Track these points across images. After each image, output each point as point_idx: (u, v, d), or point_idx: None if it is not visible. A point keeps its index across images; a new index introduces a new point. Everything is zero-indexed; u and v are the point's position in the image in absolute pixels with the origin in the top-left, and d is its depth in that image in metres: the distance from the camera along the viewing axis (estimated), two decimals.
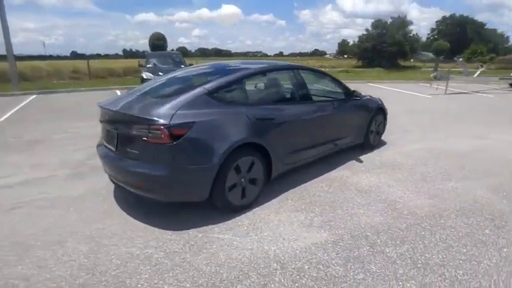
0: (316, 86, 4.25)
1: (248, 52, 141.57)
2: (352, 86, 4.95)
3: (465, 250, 2.38)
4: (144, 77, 9.99)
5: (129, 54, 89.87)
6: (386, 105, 5.19)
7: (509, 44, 55.01)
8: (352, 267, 2.20)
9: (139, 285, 2.03)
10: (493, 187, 3.53)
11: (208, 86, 2.88)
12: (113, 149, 2.84)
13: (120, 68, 18.54)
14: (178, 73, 3.81)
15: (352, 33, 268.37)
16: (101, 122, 3.15)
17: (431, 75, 15.67)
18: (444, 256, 2.31)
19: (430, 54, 56.30)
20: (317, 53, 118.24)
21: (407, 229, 2.68)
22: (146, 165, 2.54)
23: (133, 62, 21.94)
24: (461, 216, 2.90)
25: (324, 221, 2.82)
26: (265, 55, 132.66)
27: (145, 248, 2.43)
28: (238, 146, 2.75)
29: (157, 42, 42.77)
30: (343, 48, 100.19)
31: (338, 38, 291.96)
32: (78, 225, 2.75)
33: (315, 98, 3.92)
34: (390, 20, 41.76)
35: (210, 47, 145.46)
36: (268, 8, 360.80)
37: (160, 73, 9.95)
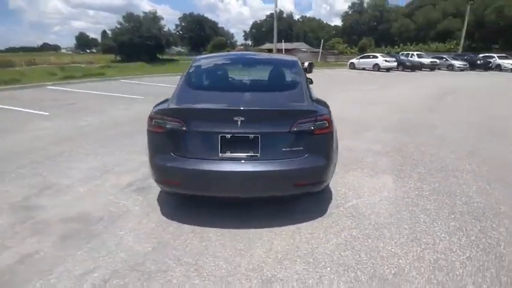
0: None
1: None
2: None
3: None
4: None
5: None
6: None
7: (234, 39, 73.06)
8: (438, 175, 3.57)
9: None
10: (400, 118, 5.98)
11: (301, 75, 3.07)
12: (252, 155, 2.43)
13: None
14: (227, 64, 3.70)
15: (87, 26, 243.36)
16: (200, 128, 2.50)
17: None
18: (465, 153, 4.23)
19: (177, 48, 64.12)
20: (48, 47, 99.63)
21: (420, 147, 4.36)
22: (313, 159, 2.52)
23: None
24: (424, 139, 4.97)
25: (373, 170, 3.92)
26: None
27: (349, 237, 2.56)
28: None
29: None
30: (83, 41, 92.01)
31: (69, 30, 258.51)
32: (259, 263, 2.24)
33: None
34: (142, 15, 43.22)
35: None
36: None
37: None
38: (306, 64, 21.24)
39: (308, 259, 2.27)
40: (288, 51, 39.67)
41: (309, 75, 3.85)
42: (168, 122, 2.48)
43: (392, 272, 2.14)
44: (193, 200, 3.06)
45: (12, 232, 2.59)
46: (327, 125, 2.57)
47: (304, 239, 2.51)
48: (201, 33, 63.92)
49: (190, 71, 3.13)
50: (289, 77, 3.19)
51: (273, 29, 30.63)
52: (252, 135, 2.43)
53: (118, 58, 39.63)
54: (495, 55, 27.30)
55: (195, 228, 2.64)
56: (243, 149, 2.45)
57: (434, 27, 43.71)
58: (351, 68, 25.77)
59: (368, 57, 25.46)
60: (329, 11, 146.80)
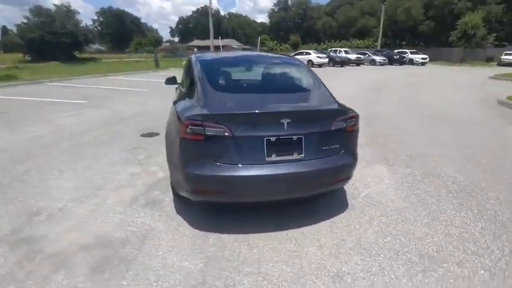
0: None
1: None
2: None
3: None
4: None
5: None
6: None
7: (159, 35, 69.95)
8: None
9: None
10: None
11: (316, 75, 3.20)
12: (297, 156, 2.48)
13: None
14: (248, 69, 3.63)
15: None
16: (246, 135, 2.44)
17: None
18: (428, 140, 4.73)
19: (95, 46, 58.98)
20: None
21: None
22: (346, 155, 2.69)
23: None
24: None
25: (364, 160, 4.27)
26: None
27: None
28: None
29: None
30: None
31: None
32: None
33: None
34: (54, 8, 38.62)
35: None
36: None
37: None
38: None
39: (359, 250, 2.43)
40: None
41: None
42: (208, 128, 2.37)
43: (435, 249, 2.42)
44: (212, 207, 2.98)
45: (24, 272, 2.20)
46: (354, 122, 2.76)
47: (344, 232, 2.67)
48: (122, 29, 59.64)
49: (204, 71, 2.97)
50: (307, 77, 3.28)
51: (200, 25, 30.29)
52: (296, 137, 2.48)
53: (27, 58, 35.07)
54: (408, 51, 31.48)
55: (236, 237, 2.59)
56: (288, 151, 2.48)
57: (354, 25, 48.16)
58: None
59: (302, 53, 26.89)
60: (253, 7, 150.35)
